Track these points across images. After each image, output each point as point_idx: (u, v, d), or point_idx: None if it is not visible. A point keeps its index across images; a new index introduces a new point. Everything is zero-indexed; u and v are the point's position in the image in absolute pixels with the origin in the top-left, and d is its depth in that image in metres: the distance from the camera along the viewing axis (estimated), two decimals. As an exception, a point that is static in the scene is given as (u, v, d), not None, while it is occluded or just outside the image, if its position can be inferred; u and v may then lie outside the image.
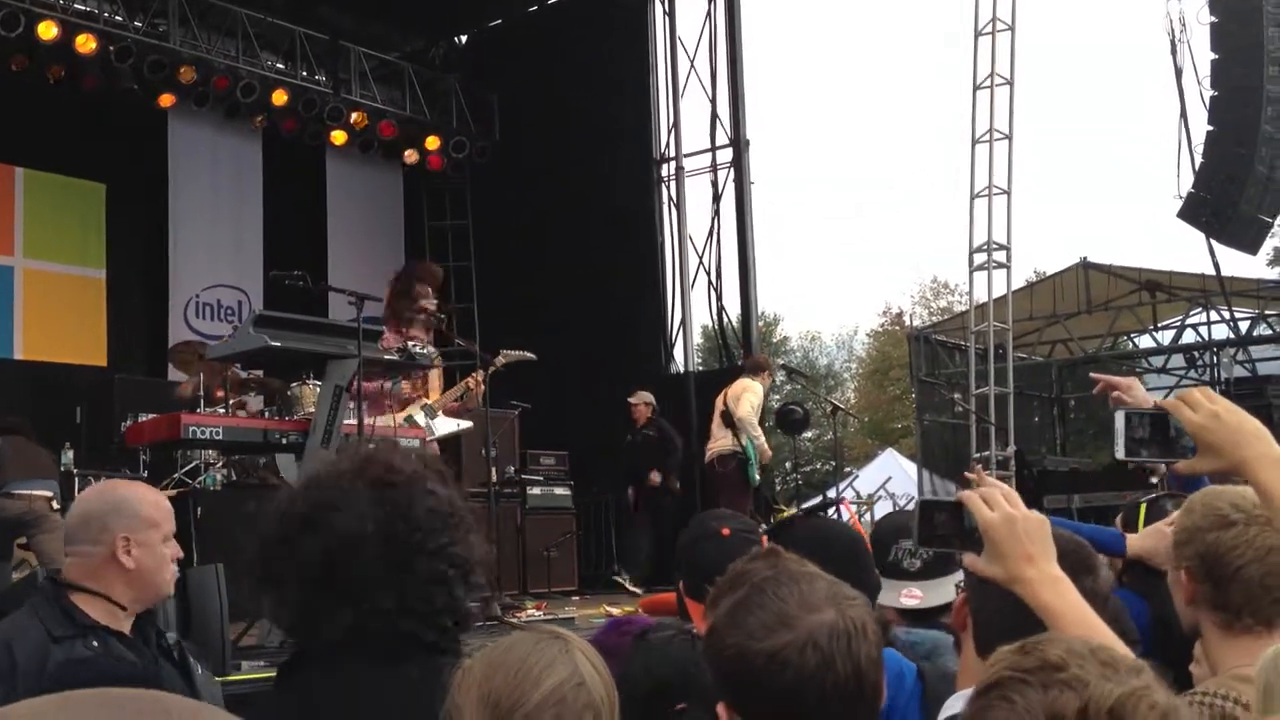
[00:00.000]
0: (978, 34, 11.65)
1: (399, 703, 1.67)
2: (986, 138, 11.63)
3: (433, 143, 12.72)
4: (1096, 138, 56.54)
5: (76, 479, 7.65)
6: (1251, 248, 12.38)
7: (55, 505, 7.51)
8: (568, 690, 1.44)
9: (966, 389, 12.14)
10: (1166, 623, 2.60)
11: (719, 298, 12.05)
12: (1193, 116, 12.37)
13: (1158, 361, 17.10)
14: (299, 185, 12.42)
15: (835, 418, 9.11)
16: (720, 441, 9.15)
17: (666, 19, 12.59)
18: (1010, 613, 1.65)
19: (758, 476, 9.11)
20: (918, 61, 64.06)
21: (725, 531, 2.81)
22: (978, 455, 11.50)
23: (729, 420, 9.08)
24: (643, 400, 10.08)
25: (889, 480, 16.01)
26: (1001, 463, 11.35)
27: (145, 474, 8.46)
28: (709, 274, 12.06)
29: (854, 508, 11.32)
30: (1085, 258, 15.60)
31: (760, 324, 12.68)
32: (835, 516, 8.60)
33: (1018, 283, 13.53)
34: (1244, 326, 15.52)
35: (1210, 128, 11.86)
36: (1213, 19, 11.25)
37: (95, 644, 2.56)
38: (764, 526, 3.09)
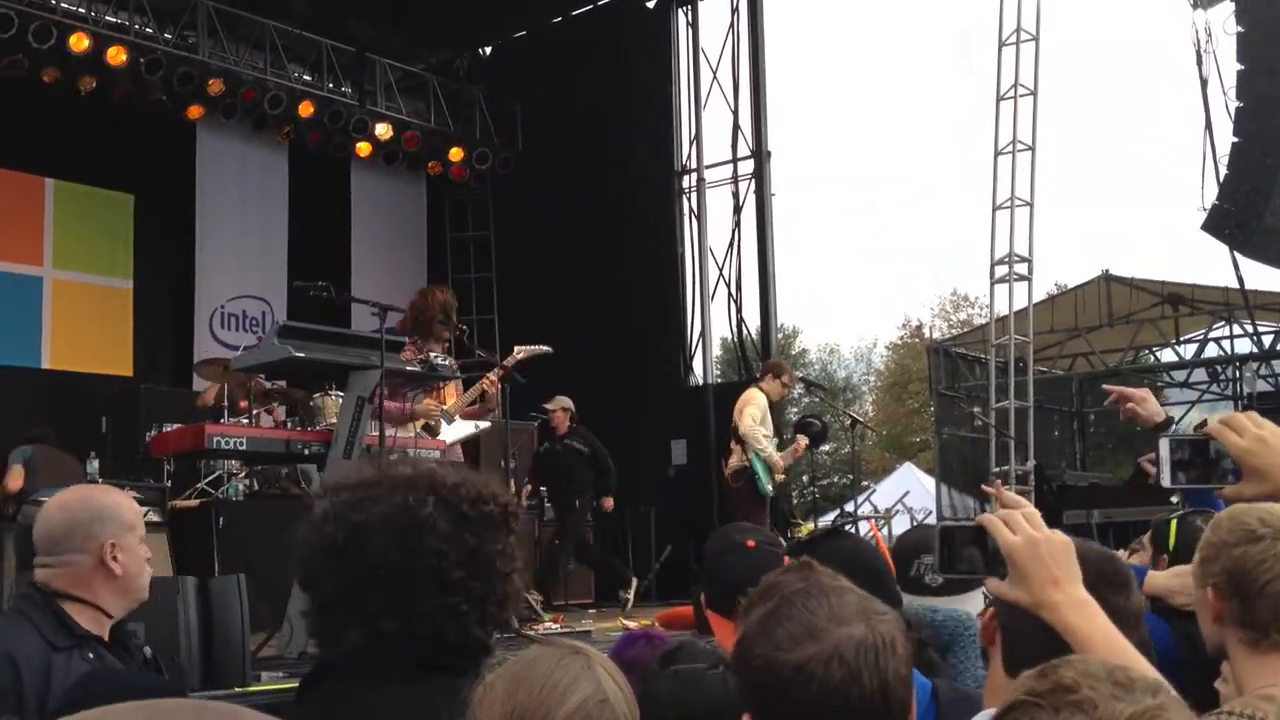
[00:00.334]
0: (1001, 45, 11.61)
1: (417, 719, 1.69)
2: (1009, 149, 11.58)
3: (456, 154, 12.80)
4: (1119, 148, 56.25)
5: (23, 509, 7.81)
6: (1276, 261, 12.32)
7: None
8: (592, 707, 1.42)
9: (986, 402, 12.09)
10: (1191, 642, 2.60)
11: (739, 309, 12.05)
12: (1218, 127, 12.32)
13: (1180, 375, 17.00)
14: (324, 196, 12.51)
15: (853, 431, 9.07)
16: (732, 458, 9.11)
17: (689, 30, 12.63)
18: (1040, 628, 1.63)
19: (769, 489, 8.95)
20: (936, 70, 63.94)
21: (750, 544, 2.79)
22: (997, 469, 11.45)
23: (736, 435, 9.05)
24: (560, 406, 9.42)
25: (907, 494, 15.94)
26: (1021, 477, 11.29)
27: (169, 483, 8.55)
28: (729, 285, 12.08)
29: (877, 524, 11.28)
30: (1107, 270, 15.53)
31: (779, 336, 12.67)
32: (856, 533, 8.53)
33: (1039, 295, 13.49)
34: (1267, 340, 15.42)
35: (1235, 139, 11.81)
36: (1239, 29, 11.20)
37: (90, 655, 2.55)
38: (782, 543, 3.08)
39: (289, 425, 7.43)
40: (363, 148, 12.22)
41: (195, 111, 11.22)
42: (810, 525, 9.94)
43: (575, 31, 13.16)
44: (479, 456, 8.56)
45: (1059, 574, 1.61)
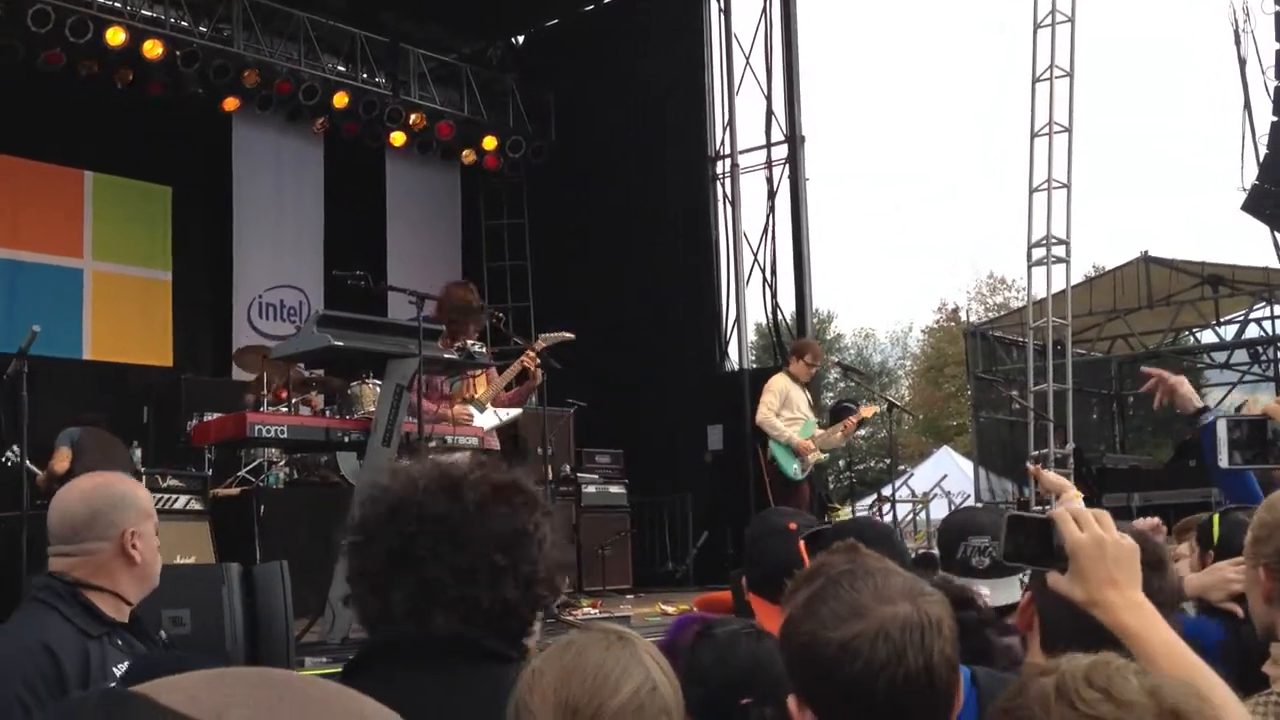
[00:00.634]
0: (1037, 26, 11.53)
1: (461, 706, 1.68)
2: (1046, 131, 11.51)
3: (490, 143, 12.82)
4: (1157, 130, 55.66)
5: (144, 478, 7.84)
6: (1317, 241, 12.16)
7: None
8: (644, 696, 1.43)
9: (1024, 386, 12.03)
10: (1239, 637, 2.58)
11: (774, 295, 12.01)
12: (1257, 107, 12.19)
13: (1220, 357, 16.82)
14: (359, 186, 12.58)
15: (890, 415, 9.04)
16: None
17: (722, 16, 12.58)
18: (1076, 614, 1.65)
19: (797, 470, 8.89)
20: (968, 52, 63.43)
21: (791, 527, 2.84)
22: (1035, 453, 11.39)
23: None
24: None
25: (944, 478, 15.89)
26: (1060, 460, 11.24)
27: (210, 472, 8.65)
28: (764, 271, 12.04)
29: (899, 511, 11.24)
30: (1146, 252, 15.38)
31: (814, 321, 12.64)
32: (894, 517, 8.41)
33: (1077, 278, 13.38)
34: (1309, 321, 15.24)
35: (1275, 118, 11.68)
36: (1277, 8, 11.06)
37: (120, 642, 2.54)
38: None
39: (328, 413, 7.49)
40: (397, 137, 12.27)
41: (231, 103, 11.29)
42: (846, 510, 9.94)
43: (607, 19, 13.14)
44: (516, 442, 8.60)
45: (1119, 576, 1.63)
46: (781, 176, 12.01)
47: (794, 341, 10.28)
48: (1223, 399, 15.61)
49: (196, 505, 8.19)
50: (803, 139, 11.97)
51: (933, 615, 1.48)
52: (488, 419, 6.97)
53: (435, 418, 6.49)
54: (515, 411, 7.40)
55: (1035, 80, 11.57)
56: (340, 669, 1.80)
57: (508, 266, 13.31)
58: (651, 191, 12.23)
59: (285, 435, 6.20)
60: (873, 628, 1.45)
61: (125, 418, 8.87)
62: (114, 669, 2.47)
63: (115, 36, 10.08)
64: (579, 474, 9.97)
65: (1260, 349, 16.06)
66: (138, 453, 8.37)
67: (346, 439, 6.29)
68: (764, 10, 12.20)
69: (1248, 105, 12.60)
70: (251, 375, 9.27)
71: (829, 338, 35.92)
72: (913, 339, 40.90)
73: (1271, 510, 2.10)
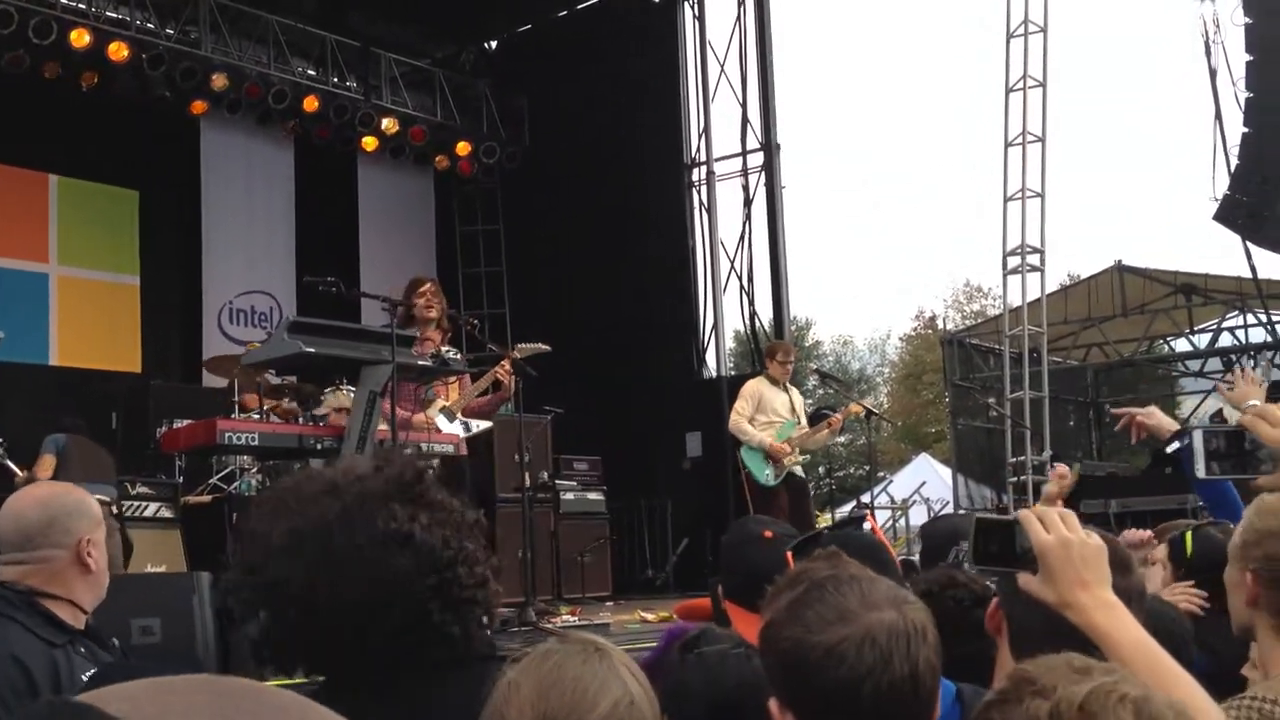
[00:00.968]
0: (1009, 36, 11.58)
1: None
2: (1019, 140, 11.57)
3: (463, 148, 12.74)
4: (1130, 139, 56.19)
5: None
6: (1289, 250, 12.25)
7: (114, 510, 7.52)
8: (622, 710, 1.41)
9: (1001, 393, 12.06)
10: (1210, 649, 2.58)
11: (751, 302, 12.01)
12: (1228, 118, 12.25)
13: (1194, 365, 16.95)
14: (331, 191, 12.47)
15: (868, 422, 9.00)
16: None
17: (696, 23, 12.56)
18: (1045, 617, 1.66)
19: (769, 476, 8.74)
20: (944, 59, 63.90)
21: (768, 535, 2.82)
22: (1013, 460, 11.41)
23: None
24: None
25: (923, 485, 15.91)
26: (1037, 468, 11.25)
27: (181, 479, 8.51)
28: (740, 278, 12.02)
29: (879, 518, 11.22)
30: (1120, 261, 15.50)
31: (792, 328, 12.62)
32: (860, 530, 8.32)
33: (1052, 286, 13.44)
34: (1281, 329, 15.35)
35: (1246, 129, 11.75)
36: (1247, 20, 11.13)
37: (83, 650, 2.51)
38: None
39: (300, 420, 7.38)
40: (369, 142, 12.16)
41: (199, 107, 11.16)
42: (827, 516, 9.89)
43: (581, 25, 13.10)
44: (493, 450, 8.52)
45: (1088, 576, 1.64)
46: (758, 184, 12.01)
47: (769, 344, 10.26)
48: (1197, 407, 15.70)
49: (167, 513, 8.07)
50: (778, 146, 11.98)
51: (918, 623, 1.49)
52: (456, 428, 6.88)
53: (408, 422, 6.40)
54: (486, 425, 7.32)
55: (1009, 90, 11.63)
56: (307, 679, 1.74)
57: (483, 273, 13.22)
58: (627, 198, 12.18)
59: (256, 442, 6.10)
60: (859, 633, 1.45)
61: (93, 424, 8.70)
62: (82, 678, 2.42)
63: (80, 39, 9.93)
64: (557, 481, 9.88)
65: (1233, 357, 16.16)
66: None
67: (319, 446, 6.18)
68: (738, 17, 12.20)
69: (1219, 116, 12.67)
70: (224, 382, 9.14)
71: (807, 345, 36.07)
72: (891, 346, 41.19)
73: (1262, 516, 2.12)
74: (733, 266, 12.04)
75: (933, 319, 36.71)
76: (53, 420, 8.11)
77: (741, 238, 12.06)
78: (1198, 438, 2.04)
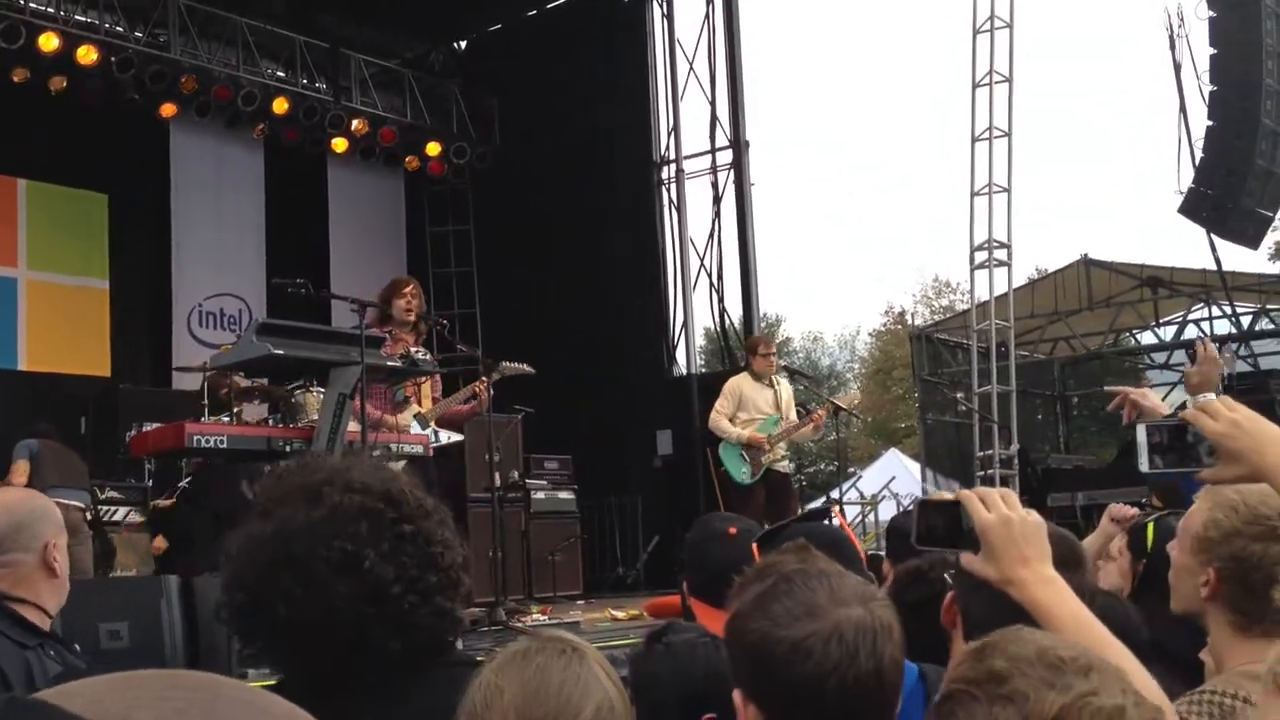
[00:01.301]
0: (976, 31, 11.66)
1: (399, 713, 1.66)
2: (986, 135, 11.64)
3: (434, 148, 12.74)
4: (1096, 134, 56.52)
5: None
6: (1253, 242, 12.38)
7: (88, 516, 7.52)
8: (604, 715, 1.43)
9: (969, 388, 12.15)
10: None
11: (721, 299, 12.05)
12: (1192, 112, 12.38)
13: (1160, 358, 17.08)
14: (301, 193, 12.44)
15: (838, 418, 9.06)
16: None
17: (665, 21, 12.59)
18: (997, 611, 1.66)
19: (746, 474, 8.67)
20: (912, 54, 64.13)
21: (731, 531, 2.84)
22: (981, 454, 11.50)
23: None
24: None
25: (893, 480, 16.00)
26: (1005, 461, 11.35)
27: (150, 483, 8.49)
28: (710, 276, 12.07)
29: (852, 510, 11.29)
30: (1086, 254, 15.60)
31: (762, 325, 12.67)
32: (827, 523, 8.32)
33: (1019, 280, 13.55)
34: (1246, 321, 15.51)
35: (1210, 122, 11.86)
36: (1211, 14, 11.24)
37: (52, 653, 2.54)
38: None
39: (270, 422, 7.39)
40: (339, 143, 12.14)
41: (168, 109, 11.12)
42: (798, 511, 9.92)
43: (551, 24, 13.11)
44: (464, 449, 8.54)
45: (1029, 552, 1.66)
46: (727, 181, 12.06)
47: (747, 340, 10.27)
48: (1164, 399, 15.79)
49: (136, 517, 8.06)
50: (747, 144, 12.03)
51: (884, 620, 1.49)
52: (427, 436, 6.91)
53: (378, 423, 6.43)
54: (457, 437, 7.37)
55: (975, 85, 11.70)
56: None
57: (453, 273, 13.22)
58: (597, 197, 12.21)
59: (225, 445, 6.11)
60: (826, 628, 1.45)
61: (62, 429, 8.68)
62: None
63: (48, 42, 9.90)
64: (528, 480, 9.91)
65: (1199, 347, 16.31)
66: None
67: (289, 448, 6.20)
68: (707, 15, 12.25)
69: (1183, 109, 12.79)
70: (194, 384, 9.13)
71: (778, 341, 36.06)
72: (860, 342, 41.29)
73: (1229, 512, 2.11)
74: (702, 264, 12.10)
75: (902, 314, 36.91)
76: (23, 425, 8.09)
77: (711, 236, 12.12)
78: (1141, 432, 2.06)
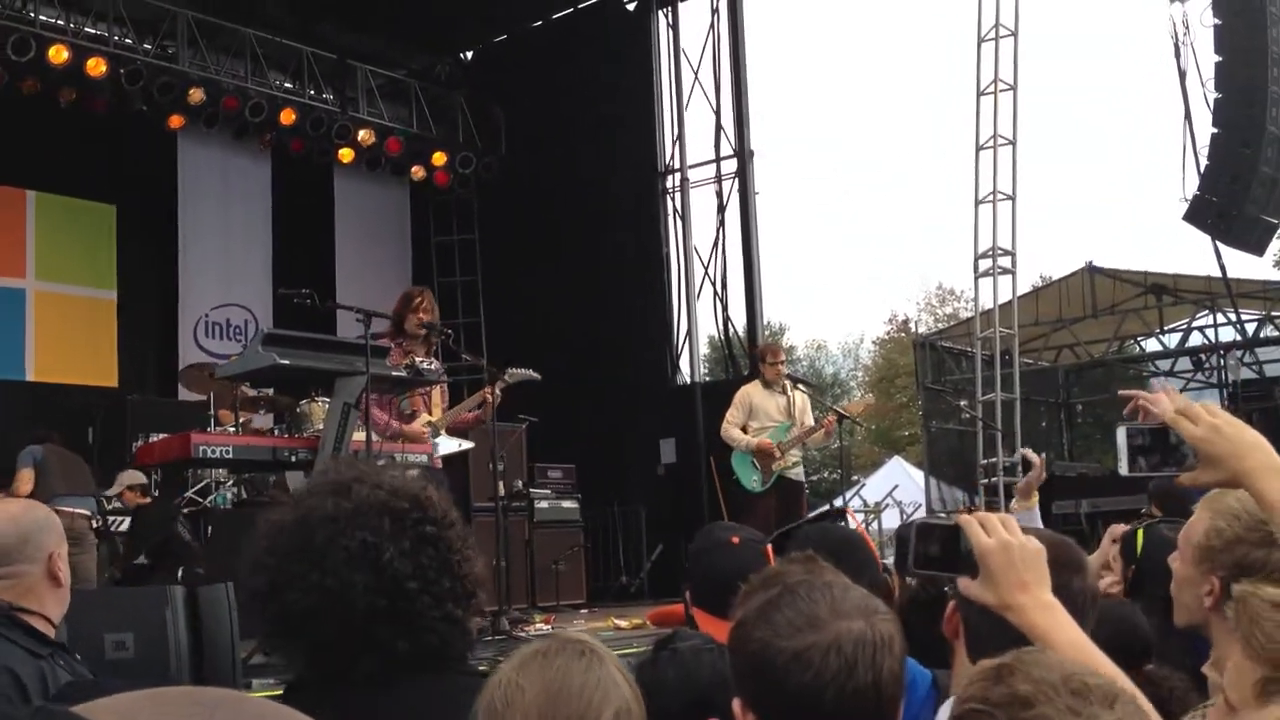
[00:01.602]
0: (980, 40, 11.66)
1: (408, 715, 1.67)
2: (990, 143, 11.64)
3: (439, 159, 12.79)
4: (1101, 141, 56.46)
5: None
6: (1257, 249, 12.35)
7: (94, 524, 7.53)
8: (623, 717, 1.46)
9: (973, 395, 12.13)
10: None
11: (724, 308, 12.07)
12: (1197, 119, 12.38)
13: (1165, 365, 17.04)
14: (307, 203, 12.50)
15: (841, 426, 9.07)
16: None
17: (670, 31, 12.63)
18: (999, 623, 1.67)
19: (757, 482, 8.62)
20: (917, 64, 64.08)
21: (734, 540, 2.83)
22: (985, 462, 11.50)
23: None
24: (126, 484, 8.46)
25: (896, 488, 15.97)
26: (1009, 469, 11.34)
27: (156, 493, 8.53)
28: (714, 284, 12.09)
29: (859, 516, 11.28)
30: (1090, 262, 15.56)
31: (766, 333, 12.69)
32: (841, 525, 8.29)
33: (1023, 288, 13.52)
34: (1251, 328, 15.47)
35: (1215, 130, 11.85)
36: (1216, 21, 11.24)
37: (61, 662, 2.55)
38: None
39: (275, 432, 7.43)
40: (345, 154, 12.20)
41: (176, 121, 11.19)
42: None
43: (556, 35, 13.16)
44: (468, 458, 8.58)
45: (1028, 578, 1.65)
46: (731, 191, 12.08)
47: (757, 348, 10.26)
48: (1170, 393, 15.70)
49: (142, 527, 8.07)
50: (751, 153, 12.05)
51: (885, 633, 1.50)
52: (447, 444, 6.96)
53: (385, 429, 6.45)
54: (469, 445, 7.41)
55: (979, 93, 11.70)
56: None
57: (458, 282, 13.27)
58: (602, 206, 12.25)
59: (231, 455, 6.16)
60: (826, 640, 1.47)
61: (70, 439, 8.73)
62: None
63: (58, 55, 9.97)
64: (531, 489, 9.95)
65: (1203, 356, 16.28)
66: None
67: (294, 458, 6.25)
68: (712, 25, 12.28)
69: (1188, 116, 12.79)
70: (200, 395, 9.16)
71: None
72: (864, 350, 41.28)
73: (1231, 520, 2.12)
74: (706, 273, 12.12)
75: (905, 322, 36.86)
76: (27, 435, 8.12)
77: (715, 244, 12.14)
78: (1121, 434, 2.07)
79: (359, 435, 6.09)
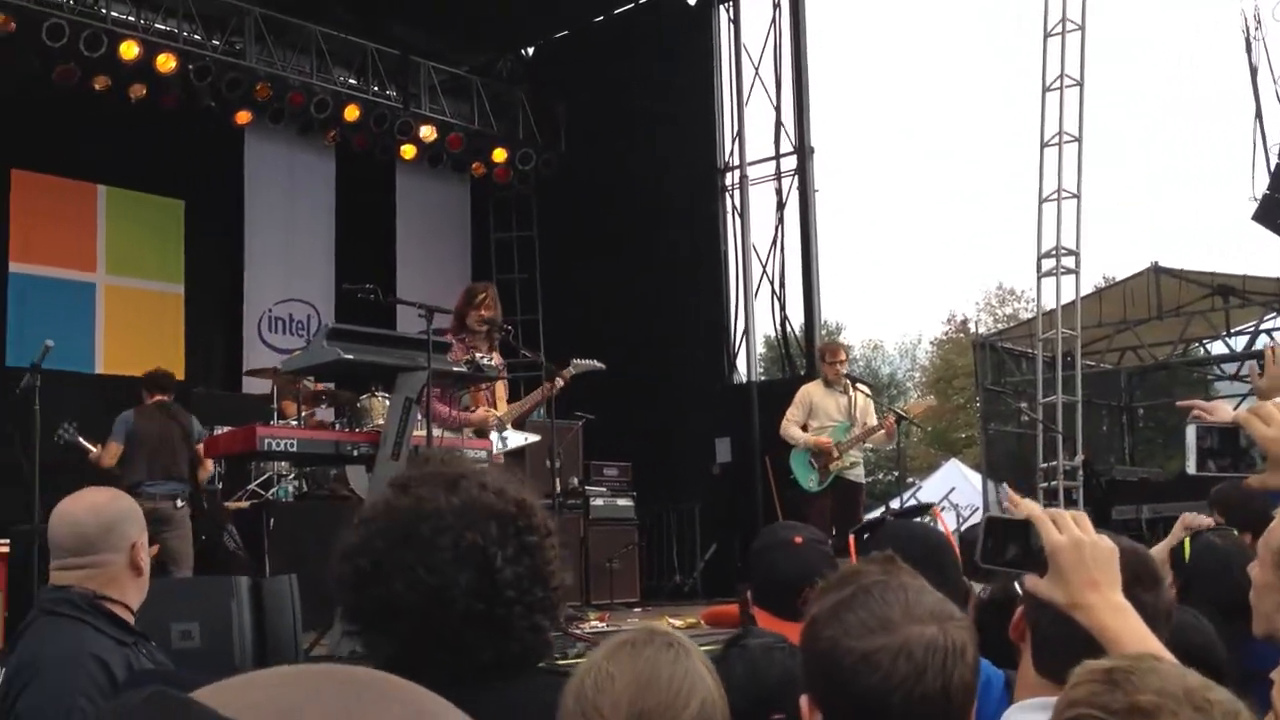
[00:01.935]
0: (1046, 35, 11.51)
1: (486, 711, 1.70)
2: (1055, 140, 11.49)
3: (500, 155, 12.86)
4: (1168, 139, 55.53)
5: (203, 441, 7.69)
6: (1328, 252, 12.13)
7: (178, 505, 7.51)
8: (708, 710, 1.48)
9: (1033, 398, 12.00)
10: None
11: (782, 307, 12.02)
12: (1268, 116, 12.16)
13: (1231, 368, 16.72)
14: (369, 199, 12.62)
15: (899, 426, 9.00)
16: None
17: (731, 27, 12.60)
18: (1069, 627, 1.66)
19: (814, 482, 8.62)
20: (979, 59, 63.43)
21: (797, 540, 2.83)
22: (1044, 465, 11.37)
23: None
24: None
25: (952, 491, 15.83)
26: (1070, 473, 11.21)
27: (219, 485, 8.67)
28: (772, 283, 12.05)
29: (945, 516, 11.19)
30: (1156, 262, 15.31)
31: (823, 333, 12.62)
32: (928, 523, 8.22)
33: (1086, 289, 13.36)
34: (1321, 331, 15.18)
35: (1286, 128, 11.62)
36: (1288, 16, 11.03)
37: (144, 651, 2.61)
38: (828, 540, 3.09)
39: (337, 427, 7.52)
40: (407, 150, 12.31)
41: (243, 117, 11.34)
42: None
43: (616, 30, 13.19)
44: (525, 455, 8.63)
45: (1099, 577, 1.63)
46: (790, 188, 12.02)
47: (820, 346, 10.24)
48: (1236, 410, 15.44)
49: (203, 518, 8.19)
50: (811, 150, 11.97)
51: (957, 640, 1.48)
52: (515, 438, 7.02)
53: (449, 420, 6.50)
54: (535, 438, 7.46)
55: (1045, 89, 11.55)
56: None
57: (516, 279, 13.34)
58: (660, 203, 12.25)
59: (295, 449, 6.23)
60: (896, 643, 1.46)
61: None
62: None
63: (129, 51, 10.14)
64: (587, 487, 9.98)
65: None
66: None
67: (355, 452, 6.32)
68: (773, 21, 12.22)
69: (1259, 114, 12.55)
70: (263, 388, 9.31)
71: (836, 349, 35.75)
72: (921, 351, 40.93)
73: None
74: (764, 271, 12.08)
75: (964, 323, 36.55)
76: (100, 426, 8.14)
77: (774, 242, 12.09)
78: (1190, 433, 2.03)
79: (419, 431, 6.15)
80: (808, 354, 11.49)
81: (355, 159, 12.27)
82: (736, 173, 12.33)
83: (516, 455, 7.74)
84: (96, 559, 2.62)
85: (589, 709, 1.45)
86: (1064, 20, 11.41)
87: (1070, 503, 10.82)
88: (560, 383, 7.03)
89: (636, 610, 9.19)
